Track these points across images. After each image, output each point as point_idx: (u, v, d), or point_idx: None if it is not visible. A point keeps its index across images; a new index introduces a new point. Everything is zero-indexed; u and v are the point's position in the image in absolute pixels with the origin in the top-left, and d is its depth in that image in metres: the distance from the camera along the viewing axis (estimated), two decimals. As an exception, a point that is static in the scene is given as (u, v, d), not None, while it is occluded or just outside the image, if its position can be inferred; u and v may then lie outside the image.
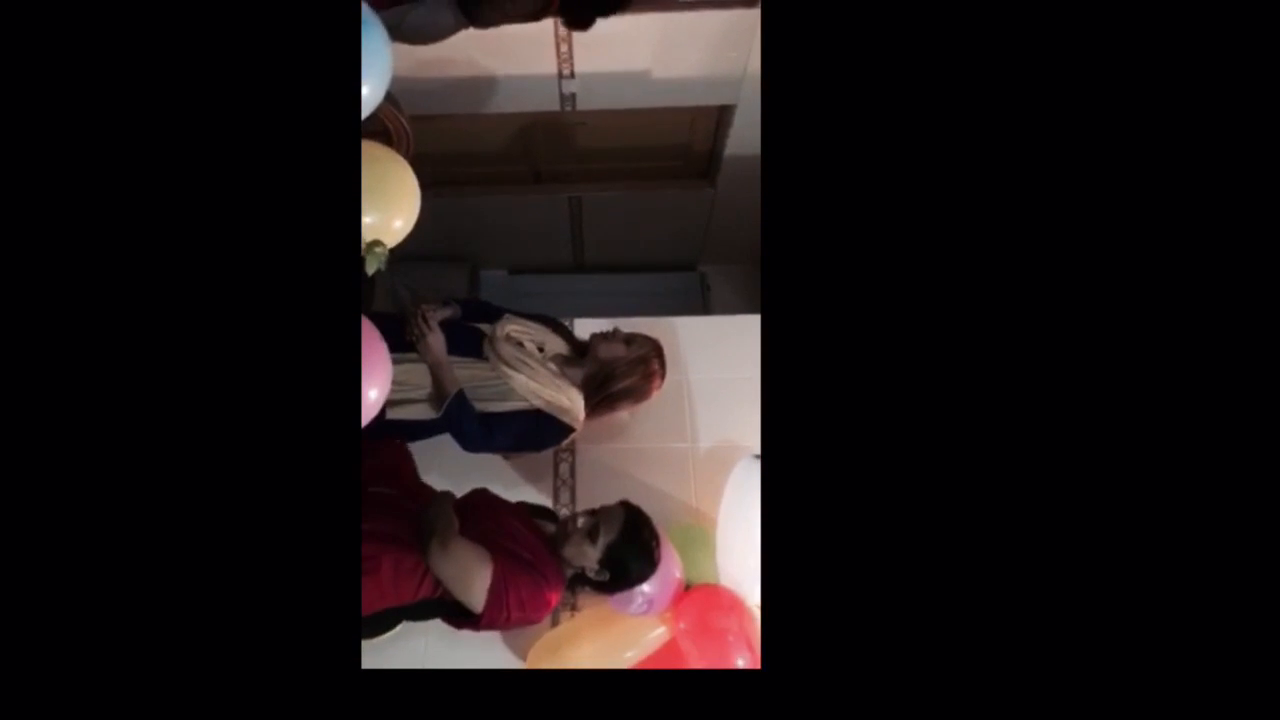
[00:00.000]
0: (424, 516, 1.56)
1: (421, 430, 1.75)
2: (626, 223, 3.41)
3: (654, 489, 2.11)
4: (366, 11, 1.11)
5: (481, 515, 1.60)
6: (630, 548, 1.60)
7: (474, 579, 1.50)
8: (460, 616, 1.58)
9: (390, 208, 1.26)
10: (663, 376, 1.90)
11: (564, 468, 2.14)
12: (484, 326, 1.85)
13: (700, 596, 1.83)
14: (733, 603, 1.82)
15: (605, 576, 1.62)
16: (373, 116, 1.47)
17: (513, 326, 1.85)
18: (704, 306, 3.68)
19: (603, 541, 1.59)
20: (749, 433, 2.04)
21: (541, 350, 1.87)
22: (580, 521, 1.62)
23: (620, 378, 1.83)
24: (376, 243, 1.22)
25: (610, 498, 1.73)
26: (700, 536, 1.95)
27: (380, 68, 1.18)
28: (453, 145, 2.97)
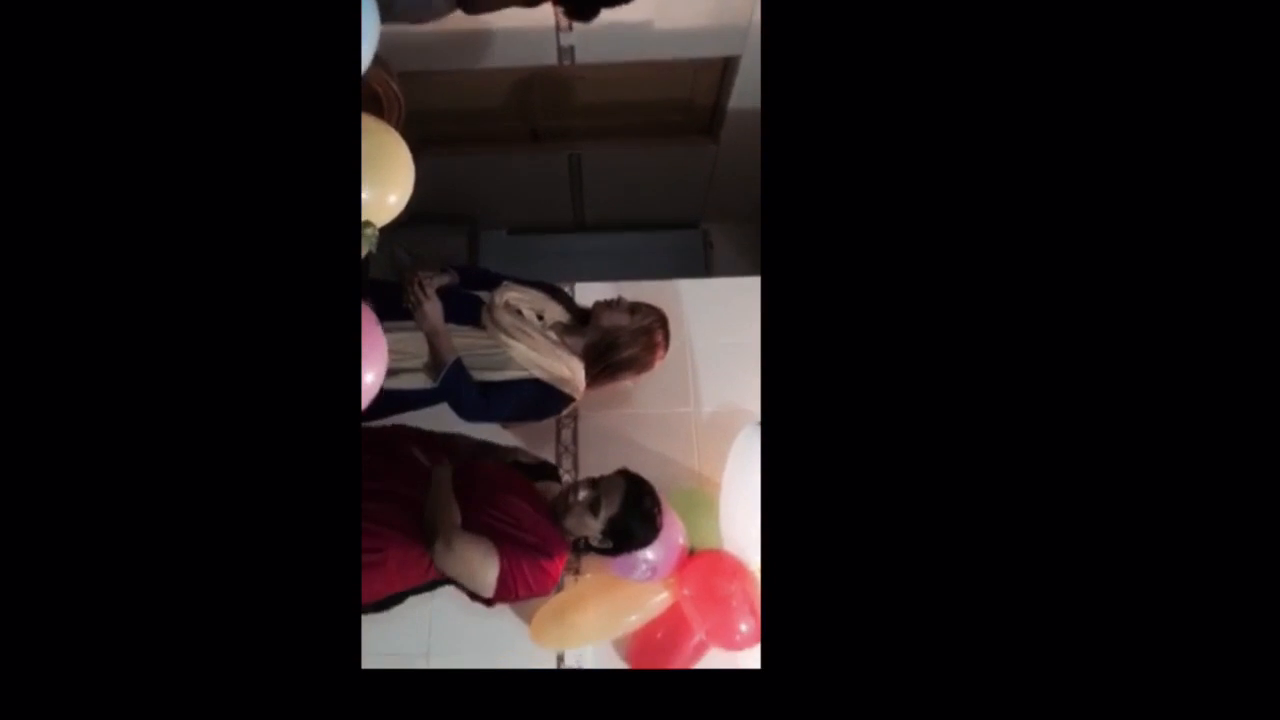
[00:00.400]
0: (425, 505, 1.55)
1: (418, 400, 1.73)
2: (627, 180, 3.35)
3: (657, 454, 2.11)
4: None
5: (481, 498, 1.59)
6: (633, 517, 1.60)
7: (482, 573, 1.53)
8: (468, 592, 1.61)
9: (384, 183, 1.23)
10: (666, 347, 1.87)
11: (566, 434, 2.13)
12: (483, 294, 1.81)
13: (704, 562, 1.83)
14: (736, 568, 1.82)
15: (609, 545, 1.62)
16: (361, 81, 1.41)
17: (512, 294, 1.82)
18: (706, 264, 3.65)
19: (604, 515, 1.59)
20: (752, 397, 2.02)
21: (541, 318, 1.84)
22: (581, 494, 1.61)
23: (623, 347, 1.80)
24: (366, 224, 1.19)
25: (613, 463, 1.72)
26: (703, 501, 1.95)
27: (367, 27, 1.13)
28: (447, 102, 2.89)
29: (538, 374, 1.75)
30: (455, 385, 1.69)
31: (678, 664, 1.84)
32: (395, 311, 1.71)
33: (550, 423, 2.09)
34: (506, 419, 1.90)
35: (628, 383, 2.01)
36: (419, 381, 1.71)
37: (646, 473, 1.70)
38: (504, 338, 1.74)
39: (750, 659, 1.80)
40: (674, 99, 3.03)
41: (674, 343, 1.96)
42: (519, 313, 1.80)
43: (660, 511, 1.65)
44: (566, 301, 1.92)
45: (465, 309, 1.77)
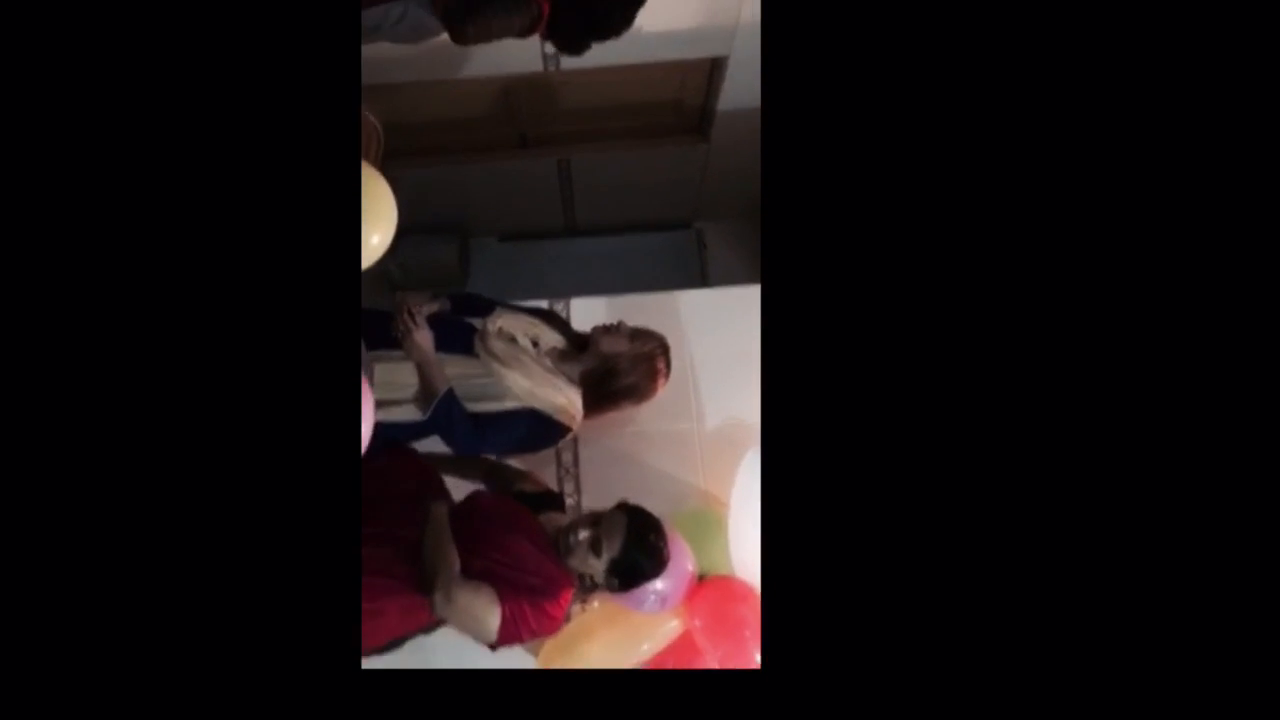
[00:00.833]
0: (423, 550, 1.49)
1: (408, 432, 1.67)
2: (618, 183, 3.31)
3: (661, 473, 2.07)
4: None
5: (480, 539, 1.53)
6: (637, 553, 1.54)
7: (485, 622, 1.47)
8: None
9: (366, 224, 1.16)
10: (668, 375, 1.80)
11: (566, 456, 2.07)
12: (475, 321, 1.74)
13: (714, 589, 1.78)
14: (746, 593, 1.77)
15: (615, 584, 1.56)
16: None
17: (505, 320, 1.75)
18: (700, 264, 3.61)
19: (607, 555, 1.53)
20: (755, 410, 1.96)
21: (536, 345, 1.77)
22: (582, 534, 1.54)
23: (622, 374, 1.74)
24: None
25: (615, 485, 1.68)
26: (711, 521, 1.89)
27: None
28: (433, 113, 2.84)
29: (533, 404, 1.68)
30: (447, 417, 1.63)
31: (690, 692, 1.79)
32: (384, 340, 1.65)
33: (550, 445, 2.03)
34: (500, 451, 1.83)
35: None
36: (409, 414, 1.65)
37: (650, 492, 1.65)
38: (498, 366, 1.67)
39: (765, 685, 1.75)
40: (662, 100, 2.99)
41: (675, 357, 1.89)
42: (513, 340, 1.74)
43: (666, 543, 1.59)
44: (562, 327, 1.86)
45: (457, 337, 1.70)
